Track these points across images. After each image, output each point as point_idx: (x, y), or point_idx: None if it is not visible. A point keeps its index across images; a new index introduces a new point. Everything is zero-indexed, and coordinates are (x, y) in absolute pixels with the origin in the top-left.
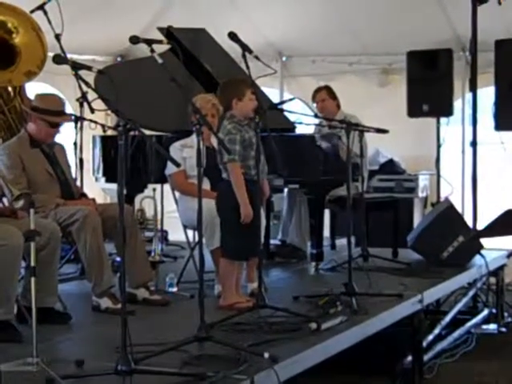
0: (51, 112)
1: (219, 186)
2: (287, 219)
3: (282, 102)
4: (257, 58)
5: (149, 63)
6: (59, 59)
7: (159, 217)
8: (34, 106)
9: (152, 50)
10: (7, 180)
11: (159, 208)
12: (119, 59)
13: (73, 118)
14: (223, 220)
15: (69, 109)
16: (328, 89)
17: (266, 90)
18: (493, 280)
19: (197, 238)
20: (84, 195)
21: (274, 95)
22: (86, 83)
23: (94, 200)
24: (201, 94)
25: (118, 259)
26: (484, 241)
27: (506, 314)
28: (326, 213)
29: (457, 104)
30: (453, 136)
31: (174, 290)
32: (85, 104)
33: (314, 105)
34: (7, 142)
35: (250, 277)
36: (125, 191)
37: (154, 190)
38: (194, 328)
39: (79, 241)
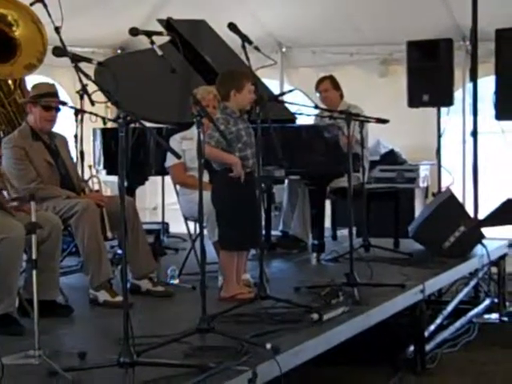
0: (40, 96)
1: (212, 179)
2: (288, 210)
3: (283, 93)
4: (257, 48)
5: (149, 55)
6: (59, 51)
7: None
8: (29, 97)
9: (152, 42)
10: (13, 176)
11: (160, 200)
12: (119, 51)
13: (61, 99)
14: (219, 211)
15: (69, 101)
16: (332, 79)
17: (266, 81)
18: (494, 270)
19: (198, 230)
20: (83, 191)
21: (274, 86)
22: (86, 75)
23: (97, 191)
24: (202, 86)
25: (120, 252)
26: (485, 230)
27: (507, 304)
28: (327, 204)
29: (457, 94)
30: (453, 126)
31: (176, 281)
32: (85, 96)
33: (317, 94)
34: (9, 136)
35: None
36: (126, 183)
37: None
38: (196, 320)
39: (77, 233)
